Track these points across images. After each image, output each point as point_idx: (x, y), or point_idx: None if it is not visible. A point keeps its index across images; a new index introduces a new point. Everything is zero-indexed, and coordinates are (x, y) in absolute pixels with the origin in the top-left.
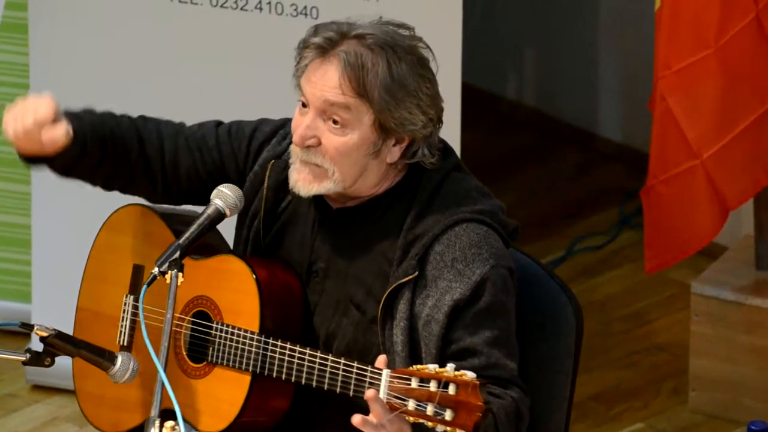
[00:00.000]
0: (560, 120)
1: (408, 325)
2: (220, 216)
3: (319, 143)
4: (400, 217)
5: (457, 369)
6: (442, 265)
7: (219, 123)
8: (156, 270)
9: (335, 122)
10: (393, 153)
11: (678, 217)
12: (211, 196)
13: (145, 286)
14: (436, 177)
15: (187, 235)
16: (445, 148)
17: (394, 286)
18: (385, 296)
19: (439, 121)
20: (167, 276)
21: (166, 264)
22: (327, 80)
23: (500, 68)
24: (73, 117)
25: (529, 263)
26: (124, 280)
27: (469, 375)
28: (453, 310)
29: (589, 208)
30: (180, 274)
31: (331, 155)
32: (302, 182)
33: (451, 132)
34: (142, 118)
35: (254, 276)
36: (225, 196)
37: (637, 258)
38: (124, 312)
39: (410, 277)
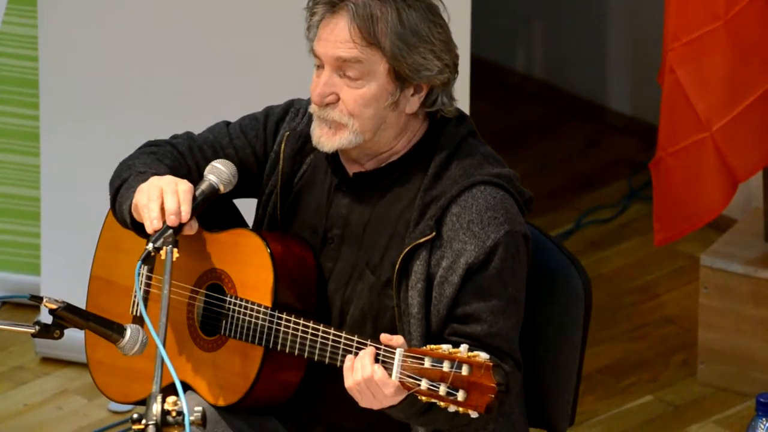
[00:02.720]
0: (569, 93)
1: (425, 286)
2: (213, 191)
3: (338, 99)
4: (416, 179)
5: (470, 349)
6: (458, 226)
7: (228, 123)
8: (150, 246)
9: (351, 76)
10: (412, 103)
11: (687, 189)
12: (205, 172)
13: (139, 263)
14: (453, 141)
15: None
16: (461, 115)
17: (410, 246)
18: (401, 257)
19: (455, 67)
20: (162, 252)
21: (161, 240)
22: (337, 35)
23: (510, 41)
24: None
25: (538, 236)
26: (137, 250)
27: (482, 356)
28: (467, 273)
29: (598, 181)
30: (175, 249)
31: (350, 109)
32: (325, 137)
33: (460, 104)
34: (172, 139)
35: (269, 250)
36: (219, 171)
37: (645, 231)
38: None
39: (427, 237)
